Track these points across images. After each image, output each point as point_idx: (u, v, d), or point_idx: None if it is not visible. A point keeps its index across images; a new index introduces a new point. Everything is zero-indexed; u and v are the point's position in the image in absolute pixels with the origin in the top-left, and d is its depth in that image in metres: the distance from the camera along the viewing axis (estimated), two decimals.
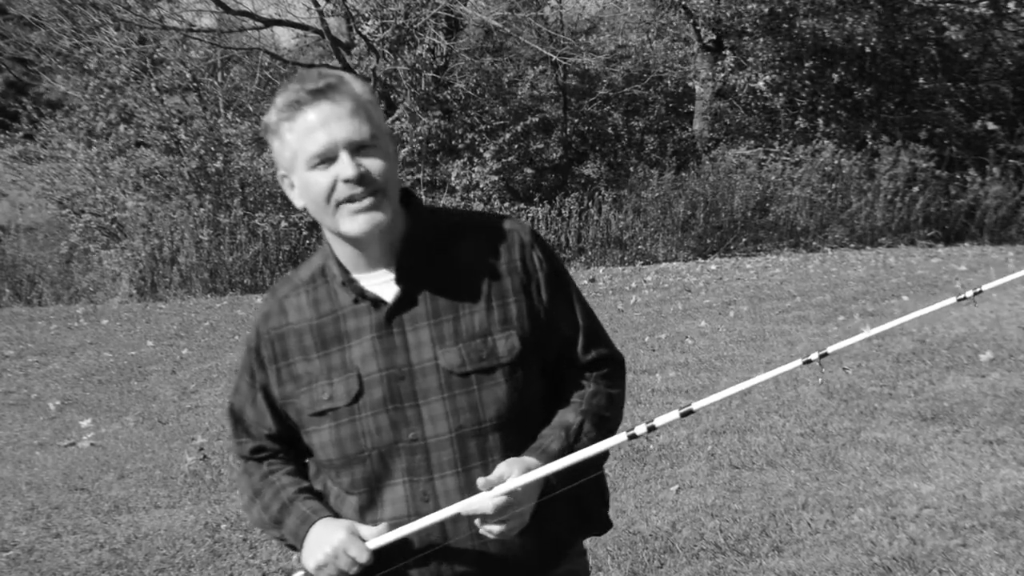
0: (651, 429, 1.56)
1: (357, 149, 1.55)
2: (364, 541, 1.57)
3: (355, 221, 1.56)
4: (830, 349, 1.76)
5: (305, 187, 1.59)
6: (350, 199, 1.55)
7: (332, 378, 1.63)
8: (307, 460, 1.79)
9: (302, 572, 1.61)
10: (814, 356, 1.74)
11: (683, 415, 1.58)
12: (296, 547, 1.65)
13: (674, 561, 3.73)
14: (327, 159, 1.55)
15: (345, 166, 1.54)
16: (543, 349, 1.66)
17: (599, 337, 1.74)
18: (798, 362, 1.74)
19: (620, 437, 1.57)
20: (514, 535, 1.56)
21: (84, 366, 8.55)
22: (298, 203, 1.64)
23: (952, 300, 1.83)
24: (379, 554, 1.57)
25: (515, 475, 1.53)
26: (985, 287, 1.80)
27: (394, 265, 1.63)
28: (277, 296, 1.73)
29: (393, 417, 1.60)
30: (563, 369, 1.71)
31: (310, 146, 1.55)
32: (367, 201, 1.55)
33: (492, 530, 1.54)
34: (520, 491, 1.52)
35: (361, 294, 1.63)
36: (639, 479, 4.64)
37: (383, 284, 1.63)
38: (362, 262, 1.64)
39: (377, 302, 1.62)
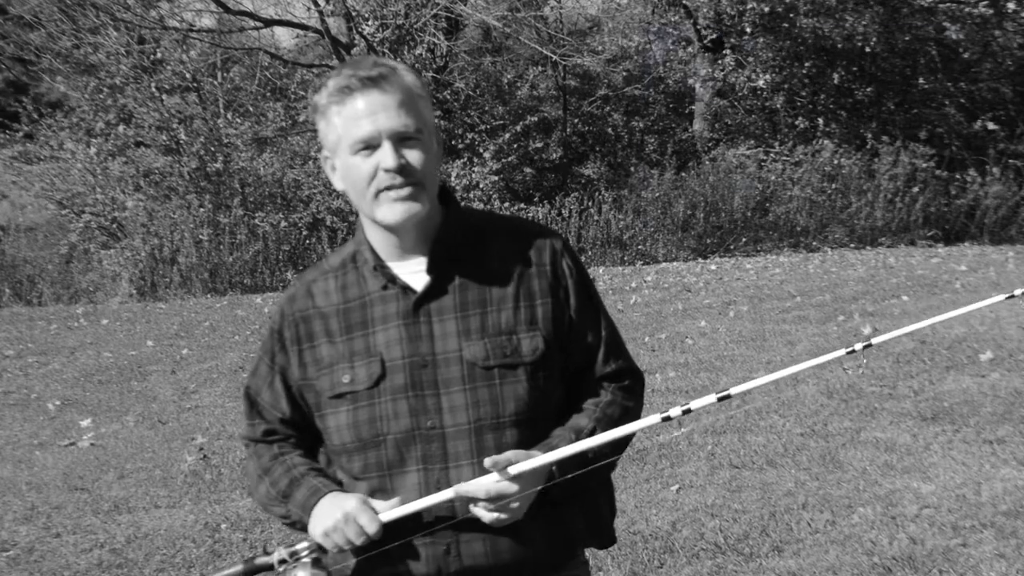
0: (686, 412, 1.55)
1: (400, 140, 1.58)
2: (376, 513, 1.58)
3: (392, 209, 1.60)
4: (875, 340, 1.73)
5: (346, 171, 1.63)
6: (388, 188, 1.59)
7: (354, 361, 1.65)
8: (319, 451, 1.79)
9: (307, 543, 1.61)
10: (858, 346, 1.72)
11: (720, 400, 1.56)
12: (303, 520, 1.65)
13: (674, 561, 3.73)
14: (370, 146, 1.58)
15: (387, 155, 1.57)
16: (565, 354, 1.68)
17: (620, 350, 1.76)
18: (842, 351, 1.71)
19: (654, 418, 1.56)
20: (506, 523, 1.56)
21: (84, 366, 8.56)
22: (338, 185, 1.68)
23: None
24: (386, 532, 1.58)
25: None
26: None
27: (427, 256, 1.65)
28: (305, 280, 1.76)
29: (413, 404, 1.61)
30: (582, 379, 1.72)
31: (355, 132, 1.58)
32: (406, 191, 1.59)
33: (484, 516, 1.55)
34: (520, 479, 1.53)
35: (392, 280, 1.66)
36: (639, 479, 4.65)
37: (414, 273, 1.66)
38: (395, 250, 1.67)
39: (406, 289, 1.65)
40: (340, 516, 1.57)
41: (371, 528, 1.56)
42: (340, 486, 1.70)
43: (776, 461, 4.75)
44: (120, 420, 6.66)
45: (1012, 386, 5.67)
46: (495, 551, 1.61)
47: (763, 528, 3.96)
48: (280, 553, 1.60)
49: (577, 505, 1.67)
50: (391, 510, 1.58)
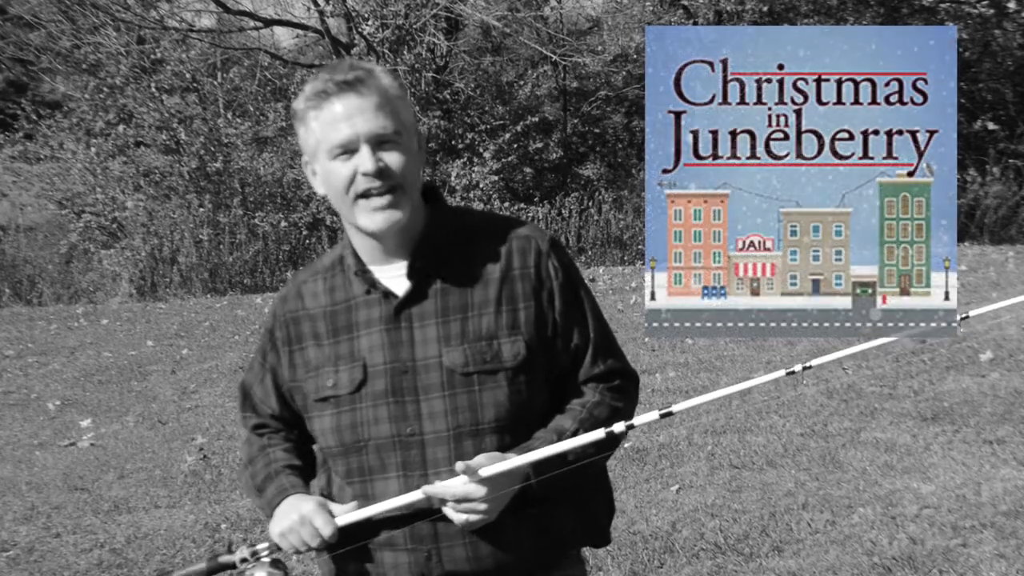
0: (629, 428, 1.56)
1: (379, 143, 1.57)
2: (333, 517, 1.58)
3: (372, 218, 1.59)
4: (813, 362, 1.74)
5: (326, 176, 1.62)
6: (367, 193, 1.58)
7: (338, 366, 1.65)
8: (315, 448, 1.80)
9: (266, 544, 1.62)
10: (797, 368, 1.72)
11: (662, 416, 1.57)
12: (269, 517, 1.67)
13: (674, 561, 3.73)
14: (349, 150, 1.58)
15: (365, 159, 1.56)
16: (550, 358, 1.66)
17: (610, 350, 1.73)
18: (780, 372, 1.72)
19: (598, 434, 1.56)
20: (476, 526, 1.55)
21: (84, 366, 8.55)
22: (319, 190, 1.68)
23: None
24: (355, 536, 1.59)
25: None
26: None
27: (409, 260, 1.64)
28: (296, 281, 1.77)
29: (393, 410, 1.61)
30: (570, 382, 1.70)
31: (333, 136, 1.58)
32: (385, 199, 1.58)
33: (454, 518, 1.54)
34: (490, 482, 1.51)
35: (373, 285, 1.65)
36: (639, 479, 4.65)
37: (396, 277, 1.65)
38: (379, 254, 1.66)
39: (388, 294, 1.64)
40: (296, 518, 1.58)
41: (326, 531, 1.56)
42: (302, 476, 1.71)
43: (776, 461, 4.75)
44: (120, 420, 6.66)
45: (1012, 386, 5.67)
46: (477, 556, 1.60)
47: (763, 528, 3.96)
48: (242, 552, 1.62)
49: (568, 505, 1.66)
50: (348, 514, 1.58)
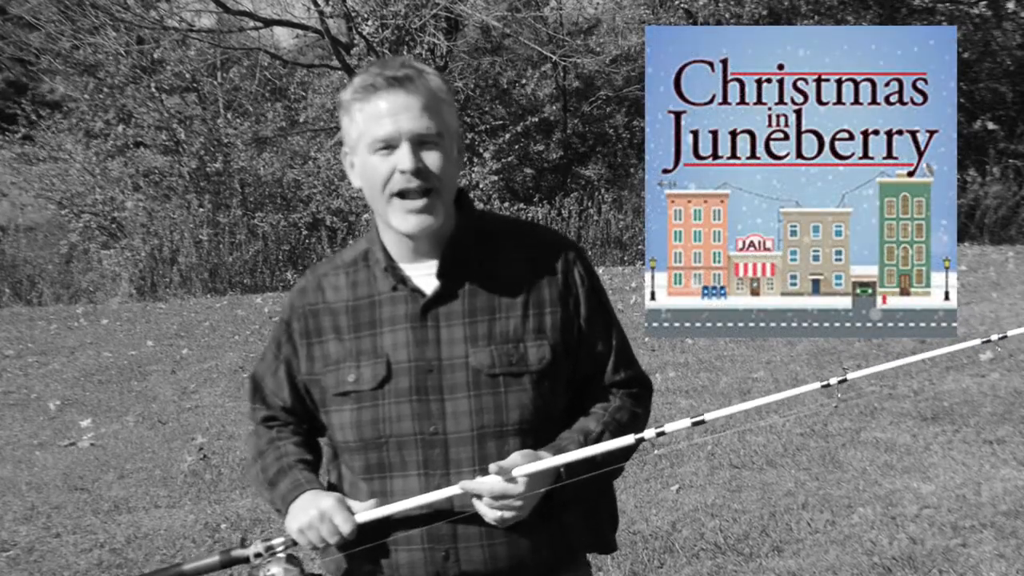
0: (660, 434, 1.57)
1: (420, 143, 1.58)
2: (352, 514, 1.58)
3: (406, 220, 1.60)
4: (850, 376, 1.75)
5: (364, 170, 1.63)
6: (403, 193, 1.58)
7: (360, 361, 1.65)
8: (324, 444, 1.80)
9: (282, 539, 1.61)
10: (833, 380, 1.73)
11: (694, 424, 1.57)
12: (283, 512, 1.66)
13: (674, 561, 3.73)
14: (389, 146, 1.58)
15: (404, 157, 1.57)
16: (573, 363, 1.68)
17: (630, 359, 1.77)
18: (816, 384, 1.72)
19: (628, 439, 1.58)
20: (509, 523, 1.55)
21: (84, 366, 8.56)
22: (355, 183, 1.68)
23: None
24: (373, 535, 1.58)
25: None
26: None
27: (438, 259, 1.65)
28: (316, 273, 1.76)
29: (416, 408, 1.61)
30: (590, 385, 1.72)
31: (376, 130, 1.58)
32: (420, 202, 1.58)
33: (487, 514, 1.54)
34: (526, 480, 1.52)
35: (402, 281, 1.65)
36: (639, 479, 4.65)
37: (425, 276, 1.65)
38: (408, 252, 1.66)
39: (416, 292, 1.65)
40: (315, 514, 1.57)
41: (345, 528, 1.56)
42: (314, 471, 1.70)
43: (776, 461, 4.75)
44: (120, 420, 6.66)
45: (1012, 386, 5.67)
46: (493, 557, 1.61)
47: (763, 528, 3.96)
48: (256, 547, 1.60)
49: (579, 512, 1.67)
50: (367, 511, 1.58)
